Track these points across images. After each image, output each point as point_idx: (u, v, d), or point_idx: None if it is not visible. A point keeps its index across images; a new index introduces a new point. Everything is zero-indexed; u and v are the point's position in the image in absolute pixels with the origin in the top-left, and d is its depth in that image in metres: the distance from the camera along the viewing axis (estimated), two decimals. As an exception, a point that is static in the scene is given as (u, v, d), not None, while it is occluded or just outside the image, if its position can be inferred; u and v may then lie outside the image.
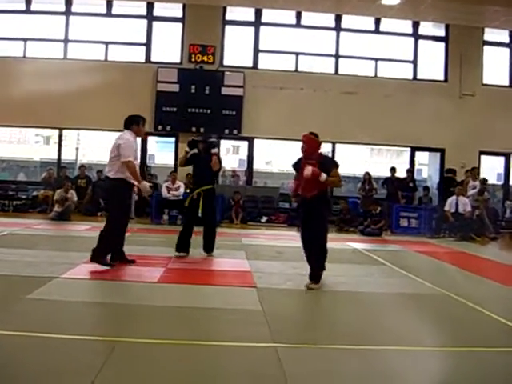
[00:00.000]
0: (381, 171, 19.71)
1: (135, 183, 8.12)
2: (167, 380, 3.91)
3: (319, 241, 7.38)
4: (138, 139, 8.48)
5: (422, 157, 20.47)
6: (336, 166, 7.50)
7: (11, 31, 18.93)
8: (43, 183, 17.81)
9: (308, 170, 7.18)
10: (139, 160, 8.46)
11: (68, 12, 18.71)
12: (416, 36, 19.24)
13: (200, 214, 9.30)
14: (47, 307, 5.70)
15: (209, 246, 9.58)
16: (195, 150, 9.63)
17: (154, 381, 3.88)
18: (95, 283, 6.73)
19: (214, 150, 9.63)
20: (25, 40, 18.72)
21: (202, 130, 17.84)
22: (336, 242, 13.03)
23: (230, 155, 21.70)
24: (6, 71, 18.06)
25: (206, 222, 9.54)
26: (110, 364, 4.06)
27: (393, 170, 17.71)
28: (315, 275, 7.33)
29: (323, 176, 7.14)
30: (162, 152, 20.92)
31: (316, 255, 7.41)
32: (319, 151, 7.60)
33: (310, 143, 7.55)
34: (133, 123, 8.20)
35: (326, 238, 7.46)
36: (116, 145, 7.91)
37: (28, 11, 18.80)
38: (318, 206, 7.36)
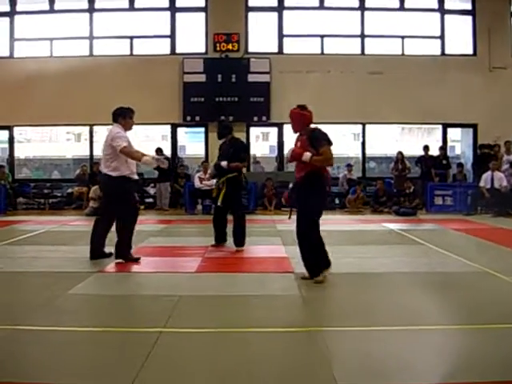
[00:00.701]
0: (412, 150, 19.52)
1: (135, 177, 7.97)
2: (211, 367, 3.93)
3: (299, 231, 6.64)
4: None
5: (454, 133, 20.19)
6: (326, 142, 6.54)
7: (37, 31, 19.12)
8: (77, 180, 18.02)
9: (288, 152, 6.74)
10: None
11: (91, 9, 18.79)
12: (442, 11, 18.89)
13: (220, 203, 8.96)
14: (89, 302, 5.79)
15: (237, 239, 9.02)
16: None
17: (198, 368, 3.91)
18: (134, 276, 6.80)
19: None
20: (51, 39, 18.88)
21: (230, 118, 17.84)
22: (371, 224, 13.04)
23: (260, 142, 21.66)
24: (34, 71, 18.23)
25: (232, 213, 9.22)
26: (154, 354, 4.11)
27: (426, 148, 17.50)
28: (309, 269, 6.66)
29: (306, 155, 6.34)
30: (192, 143, 20.99)
31: (304, 250, 6.71)
32: (311, 125, 6.73)
33: (295, 118, 6.79)
34: (119, 116, 7.97)
35: (308, 228, 6.56)
36: (107, 142, 7.76)
37: (52, 11, 18.94)
38: (303, 189, 6.55)
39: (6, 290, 6.30)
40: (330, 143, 6.59)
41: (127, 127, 8.03)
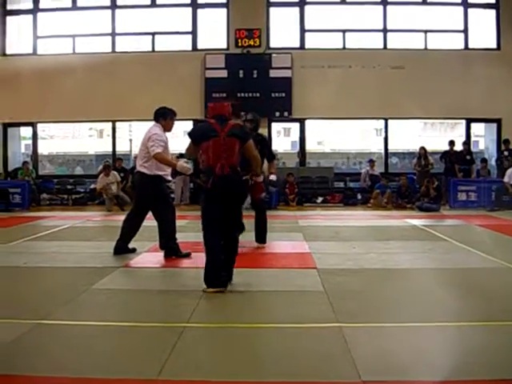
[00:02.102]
0: (435, 145, 19.37)
1: (168, 178, 8.05)
2: (235, 361, 3.94)
3: None
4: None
5: (477, 128, 19.96)
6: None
7: (60, 29, 19.28)
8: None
9: None
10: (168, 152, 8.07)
11: (113, 6, 18.90)
12: (465, 4, 18.67)
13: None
14: (113, 297, 5.82)
15: (259, 235, 8.92)
16: None
17: (221, 362, 3.92)
18: (157, 271, 6.83)
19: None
20: (73, 36, 19.02)
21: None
22: (394, 219, 12.97)
23: (282, 137, 21.63)
24: (56, 68, 18.35)
25: (255, 209, 9.08)
26: (179, 349, 4.13)
27: (451, 143, 17.33)
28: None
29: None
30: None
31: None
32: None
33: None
34: (160, 116, 8.01)
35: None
36: (144, 140, 7.79)
37: (74, 8, 19.08)
38: None
39: (31, 285, 6.36)
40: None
41: (167, 128, 8.04)
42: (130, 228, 8.06)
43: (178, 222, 8.41)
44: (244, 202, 6.41)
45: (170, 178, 8.14)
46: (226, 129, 6.08)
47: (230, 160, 6.01)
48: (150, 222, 7.80)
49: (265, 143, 8.98)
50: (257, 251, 8.62)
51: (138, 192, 8.15)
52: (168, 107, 8.17)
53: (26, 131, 19.86)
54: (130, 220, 8.06)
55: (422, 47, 18.60)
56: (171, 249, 7.86)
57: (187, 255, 7.88)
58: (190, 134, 6.36)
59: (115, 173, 16.36)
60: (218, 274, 5.90)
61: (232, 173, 6.02)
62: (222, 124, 6.13)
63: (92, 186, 18.17)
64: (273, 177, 9.15)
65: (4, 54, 19.09)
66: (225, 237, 6.13)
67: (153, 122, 8.06)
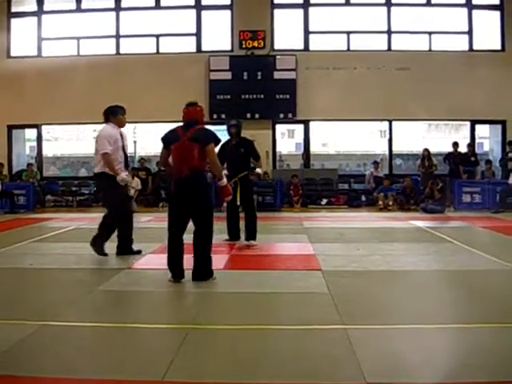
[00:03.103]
0: (440, 147, 19.33)
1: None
2: (240, 363, 3.94)
3: None
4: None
5: (482, 130, 19.91)
6: None
7: (64, 31, 19.32)
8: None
9: None
10: (122, 151, 8.12)
11: (118, 8, 18.94)
12: (470, 6, 18.67)
13: (238, 203, 9.09)
14: (118, 298, 5.85)
15: (250, 234, 9.11)
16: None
17: (228, 364, 3.93)
18: (162, 273, 6.80)
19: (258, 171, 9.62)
20: (78, 38, 19.07)
21: (256, 115, 17.94)
22: (398, 221, 12.95)
23: (286, 139, 21.62)
24: (61, 70, 18.39)
25: (244, 210, 9.30)
26: (184, 350, 4.14)
27: (455, 144, 17.29)
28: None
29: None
30: (218, 140, 21.01)
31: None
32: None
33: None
34: (110, 115, 8.18)
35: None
36: (96, 139, 8.05)
37: (79, 10, 19.13)
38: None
39: (37, 287, 6.38)
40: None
41: (120, 125, 8.25)
42: (121, 227, 8.18)
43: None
44: (206, 203, 6.45)
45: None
46: (188, 133, 6.32)
47: (189, 163, 6.21)
48: (154, 223, 7.81)
49: (248, 146, 9.40)
50: (261, 253, 8.60)
51: (109, 192, 8.13)
52: (115, 104, 8.44)
53: (31, 133, 19.89)
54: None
55: (427, 49, 18.59)
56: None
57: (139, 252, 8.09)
58: (161, 139, 6.63)
59: (138, 181, 16.39)
60: (174, 268, 6.36)
61: (191, 175, 6.23)
62: (187, 129, 6.39)
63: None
64: (258, 170, 9.52)
65: (9, 56, 19.13)
66: (194, 236, 6.44)
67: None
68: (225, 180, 6.74)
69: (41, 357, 4.05)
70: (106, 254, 7.95)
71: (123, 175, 7.88)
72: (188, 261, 6.45)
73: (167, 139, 6.52)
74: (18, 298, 5.83)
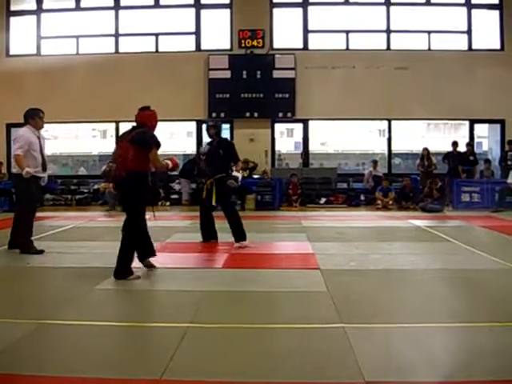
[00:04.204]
0: (439, 146, 19.34)
1: (39, 175, 8.43)
2: (239, 361, 3.94)
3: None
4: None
5: (481, 129, 19.91)
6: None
7: (63, 29, 19.32)
8: (103, 176, 18.13)
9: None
10: (39, 153, 8.53)
11: (117, 6, 18.94)
12: (469, 5, 18.67)
13: (214, 203, 9.08)
14: (116, 297, 5.85)
15: (236, 234, 9.05)
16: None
17: (226, 362, 3.92)
18: (162, 272, 6.81)
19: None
20: (77, 37, 19.07)
21: (255, 114, 17.97)
22: (398, 220, 12.96)
23: (285, 138, 21.61)
24: (60, 69, 18.42)
25: (223, 210, 9.27)
26: (182, 348, 4.14)
27: (455, 144, 17.26)
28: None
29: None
30: (217, 139, 21.02)
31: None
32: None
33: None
34: (28, 118, 8.46)
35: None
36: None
37: (78, 8, 19.13)
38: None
39: (34, 285, 6.38)
40: None
41: (38, 126, 8.54)
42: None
43: (182, 222, 8.45)
44: (133, 203, 6.58)
45: (41, 175, 8.53)
46: (130, 135, 6.54)
47: (124, 164, 6.46)
48: (149, 222, 7.77)
49: (227, 147, 9.36)
50: (260, 251, 8.60)
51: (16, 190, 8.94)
52: (34, 107, 8.67)
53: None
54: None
55: (426, 48, 18.61)
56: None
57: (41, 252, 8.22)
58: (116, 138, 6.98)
59: None
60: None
61: (125, 175, 6.44)
62: (132, 131, 6.64)
63: (95, 187, 18.20)
64: (235, 173, 9.57)
65: (8, 55, 19.12)
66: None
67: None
68: (169, 162, 6.88)
69: (39, 355, 4.04)
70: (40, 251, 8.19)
71: (27, 169, 8.11)
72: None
73: (117, 138, 6.88)
74: (17, 297, 5.83)
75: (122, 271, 6.42)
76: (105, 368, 3.79)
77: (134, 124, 6.77)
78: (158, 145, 6.60)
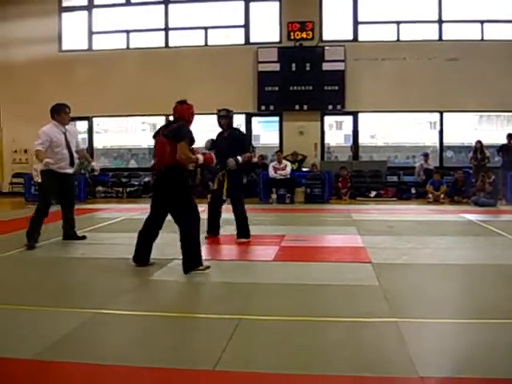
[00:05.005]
0: (491, 138, 18.94)
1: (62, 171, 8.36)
2: (291, 354, 3.94)
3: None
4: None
5: (535, 121, 19.45)
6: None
7: (114, 24, 19.60)
8: (153, 169, 18.36)
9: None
10: (66, 149, 8.43)
11: (167, 1, 19.08)
12: (524, -6, 18.21)
13: (225, 196, 8.75)
14: (170, 288, 5.92)
15: (239, 230, 8.78)
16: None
17: (278, 355, 3.92)
18: (214, 263, 6.84)
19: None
20: (127, 32, 19.32)
21: (305, 107, 17.91)
22: (449, 214, 12.75)
23: (334, 131, 21.50)
24: (110, 64, 18.74)
25: (232, 203, 8.87)
26: (234, 340, 4.16)
27: (510, 136, 16.84)
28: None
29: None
30: (267, 132, 21.03)
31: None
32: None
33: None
34: (54, 113, 8.44)
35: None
36: None
37: (128, 3, 19.36)
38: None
39: (89, 276, 6.48)
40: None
41: (63, 122, 8.46)
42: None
43: (231, 215, 8.51)
44: (182, 198, 6.51)
45: (64, 171, 8.42)
46: (166, 130, 6.58)
47: (162, 158, 6.51)
48: (203, 215, 7.82)
49: (241, 138, 9.01)
50: (310, 244, 8.58)
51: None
52: (61, 102, 8.62)
53: (82, 125, 20.23)
54: None
55: (479, 38, 18.17)
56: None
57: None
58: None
59: None
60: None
61: (165, 171, 6.47)
62: (168, 125, 6.68)
63: (146, 179, 18.43)
64: (239, 157, 8.67)
65: (60, 50, 19.48)
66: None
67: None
68: (200, 157, 6.70)
69: (95, 345, 4.14)
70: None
71: (47, 160, 8.02)
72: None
73: (154, 133, 6.87)
74: (72, 287, 5.96)
75: (190, 264, 6.40)
76: (159, 358, 3.84)
77: (171, 118, 6.78)
78: (190, 139, 6.55)
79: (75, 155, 8.66)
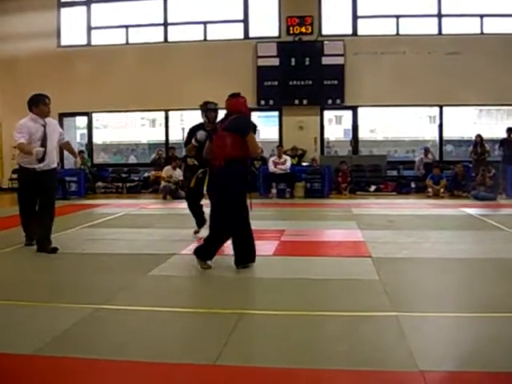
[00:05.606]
0: (491, 132, 18.93)
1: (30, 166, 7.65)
2: (291, 348, 3.94)
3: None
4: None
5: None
6: None
7: (113, 19, 19.56)
8: (153, 164, 18.38)
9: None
10: (42, 140, 7.57)
11: (165, -5, 19.07)
12: (524, -14, 18.16)
13: (205, 191, 7.88)
14: (169, 283, 5.90)
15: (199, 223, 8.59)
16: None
17: (279, 349, 3.92)
18: (213, 258, 6.84)
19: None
20: (126, 27, 19.28)
21: (304, 101, 17.88)
22: (449, 208, 12.75)
23: (334, 125, 21.49)
24: (110, 59, 18.71)
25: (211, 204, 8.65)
26: (235, 334, 4.16)
27: (510, 130, 16.84)
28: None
29: None
30: (266, 126, 21.02)
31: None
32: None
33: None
34: (31, 105, 7.71)
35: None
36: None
37: (127, -2, 19.35)
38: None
39: (89, 271, 6.48)
40: None
41: (42, 114, 7.69)
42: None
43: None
44: (235, 191, 6.34)
45: (41, 167, 7.64)
46: (224, 124, 6.44)
47: (223, 152, 6.32)
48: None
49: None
50: (310, 239, 8.58)
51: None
52: (38, 93, 7.86)
53: (81, 121, 20.23)
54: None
55: (478, 32, 18.13)
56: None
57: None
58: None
59: (180, 171, 16.41)
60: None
61: (225, 165, 6.28)
62: (225, 119, 6.50)
63: (146, 175, 18.44)
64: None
65: (59, 46, 19.45)
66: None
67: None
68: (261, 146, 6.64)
69: (95, 340, 4.13)
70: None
71: (37, 149, 7.36)
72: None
73: (211, 131, 6.77)
74: (72, 283, 5.95)
75: (201, 252, 6.37)
76: (159, 353, 3.84)
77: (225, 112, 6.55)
78: (254, 128, 6.56)
79: (53, 150, 7.93)
